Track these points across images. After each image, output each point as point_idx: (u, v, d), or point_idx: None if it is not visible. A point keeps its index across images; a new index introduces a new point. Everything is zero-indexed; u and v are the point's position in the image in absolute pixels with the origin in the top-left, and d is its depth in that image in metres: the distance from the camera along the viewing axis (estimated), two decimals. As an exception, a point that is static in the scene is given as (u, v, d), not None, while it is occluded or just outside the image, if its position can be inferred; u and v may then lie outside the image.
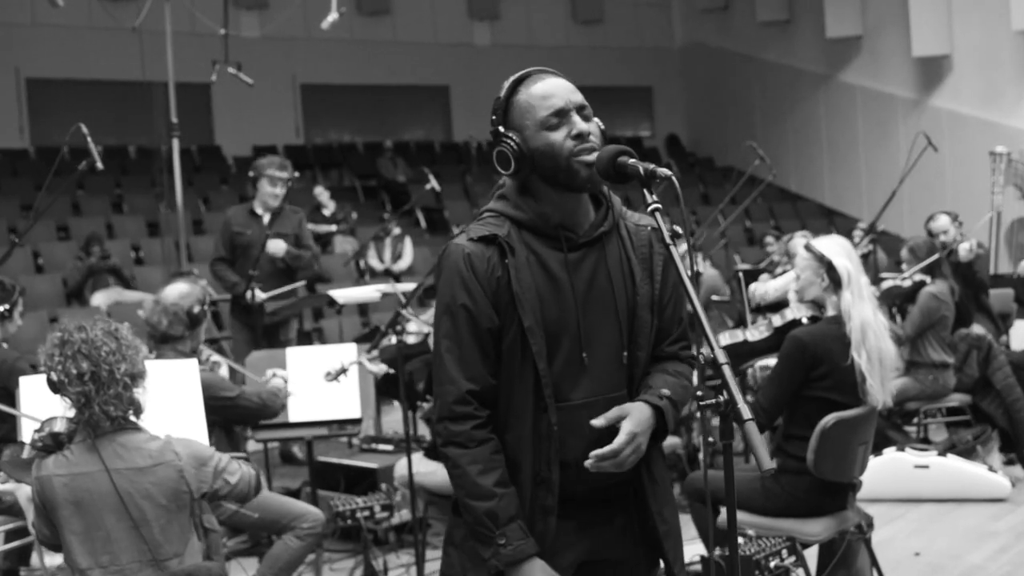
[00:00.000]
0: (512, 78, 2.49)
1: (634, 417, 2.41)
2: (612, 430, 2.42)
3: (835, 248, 4.33)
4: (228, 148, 16.39)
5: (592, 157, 2.40)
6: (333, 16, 8.71)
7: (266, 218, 7.05)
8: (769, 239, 10.93)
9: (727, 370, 2.05)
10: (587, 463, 2.37)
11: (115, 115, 14.99)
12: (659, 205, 2.24)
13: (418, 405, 4.79)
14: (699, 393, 2.09)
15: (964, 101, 14.66)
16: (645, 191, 2.27)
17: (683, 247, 2.28)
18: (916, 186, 9.43)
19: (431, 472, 5.16)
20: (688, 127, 20.42)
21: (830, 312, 4.29)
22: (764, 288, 6.37)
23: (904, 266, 6.91)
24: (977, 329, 7.15)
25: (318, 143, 17.44)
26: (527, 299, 2.42)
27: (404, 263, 12.68)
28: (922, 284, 6.77)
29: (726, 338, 5.35)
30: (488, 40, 18.76)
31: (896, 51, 15.50)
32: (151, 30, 8.95)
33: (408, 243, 12.89)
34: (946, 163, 13.31)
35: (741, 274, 6.33)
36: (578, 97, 2.46)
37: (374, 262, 12.65)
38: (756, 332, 5.36)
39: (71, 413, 3.24)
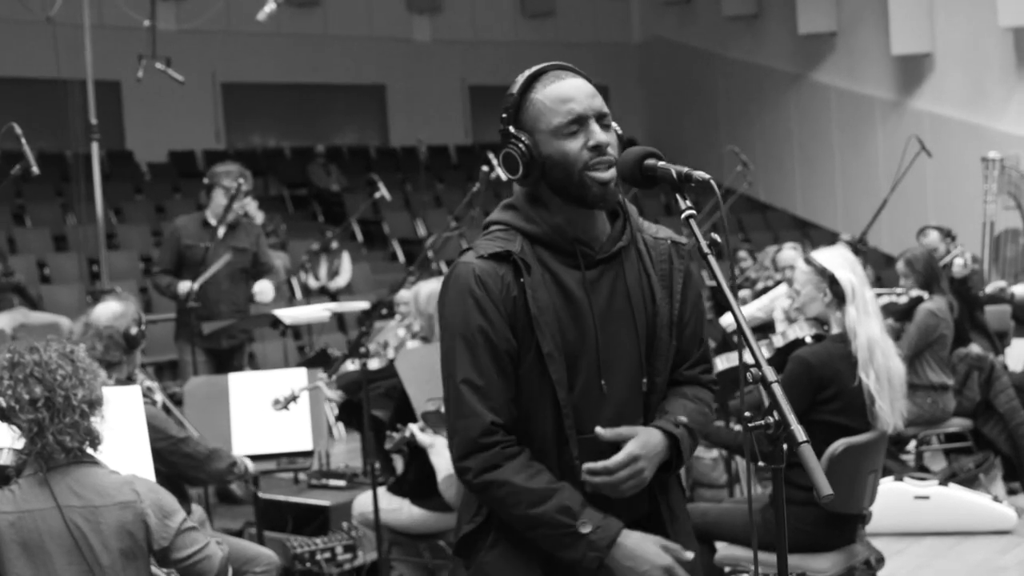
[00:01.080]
0: (527, 73, 2.48)
1: (640, 439, 2.41)
2: None
3: (838, 260, 4.39)
4: (141, 154, 16.24)
5: (607, 175, 2.40)
6: (271, 6, 8.67)
7: (221, 231, 7.02)
8: (742, 253, 11.05)
9: (778, 389, 2.08)
10: (583, 477, 2.39)
11: (13, 115, 14.70)
12: (694, 212, 2.27)
13: (388, 435, 4.78)
14: (747, 414, 2.12)
15: (947, 103, 14.84)
16: (677, 196, 2.29)
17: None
18: (896, 195, 9.56)
19: (395, 509, 5.15)
20: (647, 130, 20.52)
21: (834, 329, 4.35)
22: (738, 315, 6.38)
23: (902, 280, 6.99)
24: (977, 349, 7.27)
25: (241, 148, 17.28)
26: (546, 322, 2.40)
27: (342, 280, 12.64)
28: (919, 300, 6.86)
29: (723, 362, 5.40)
30: (428, 35, 18.80)
31: (874, 49, 15.70)
32: (63, 22, 8.84)
33: (346, 258, 12.84)
34: (928, 169, 13.52)
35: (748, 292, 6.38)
36: (599, 103, 2.46)
37: (309, 279, 12.60)
38: (757, 353, 5.41)
39: (19, 443, 3.18)
